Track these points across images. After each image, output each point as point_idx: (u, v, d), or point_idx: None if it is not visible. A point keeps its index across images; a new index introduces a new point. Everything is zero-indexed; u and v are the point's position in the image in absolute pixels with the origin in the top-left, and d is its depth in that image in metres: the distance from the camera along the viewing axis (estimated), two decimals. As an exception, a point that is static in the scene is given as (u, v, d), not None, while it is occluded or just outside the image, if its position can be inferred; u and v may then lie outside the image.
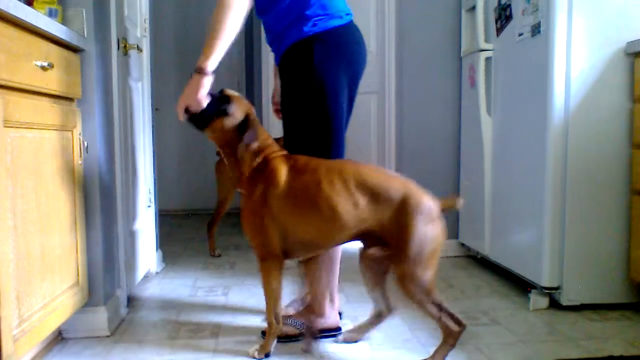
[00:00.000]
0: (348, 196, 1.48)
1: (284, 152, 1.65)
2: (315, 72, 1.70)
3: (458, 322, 1.50)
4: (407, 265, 1.45)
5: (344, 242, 1.58)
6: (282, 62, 1.78)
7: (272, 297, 1.61)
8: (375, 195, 1.48)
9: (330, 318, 1.81)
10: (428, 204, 1.48)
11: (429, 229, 1.46)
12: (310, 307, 1.82)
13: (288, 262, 1.74)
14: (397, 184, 1.50)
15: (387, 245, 1.51)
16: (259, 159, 1.60)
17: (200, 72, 1.55)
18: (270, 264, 1.58)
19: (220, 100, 1.62)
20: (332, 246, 1.63)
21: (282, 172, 1.56)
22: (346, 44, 1.75)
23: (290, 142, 1.77)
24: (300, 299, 1.99)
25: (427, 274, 1.46)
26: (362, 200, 1.48)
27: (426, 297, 1.47)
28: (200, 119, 1.62)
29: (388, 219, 1.47)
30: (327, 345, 1.74)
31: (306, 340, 1.73)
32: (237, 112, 1.62)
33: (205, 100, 1.58)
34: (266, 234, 1.55)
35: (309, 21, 1.70)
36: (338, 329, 1.81)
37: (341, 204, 1.48)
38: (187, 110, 1.61)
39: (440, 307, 1.49)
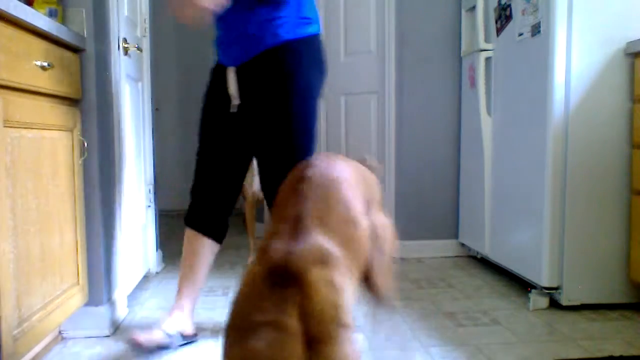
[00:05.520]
0: None
1: None
2: (302, 78, 1.65)
3: None
4: None
5: None
6: (256, 64, 1.66)
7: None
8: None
9: None
10: None
11: None
12: None
13: None
14: None
15: None
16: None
17: None
18: None
19: None
20: None
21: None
22: (323, 52, 1.74)
23: (273, 151, 1.68)
24: None
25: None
26: None
27: None
28: None
29: None
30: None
31: None
32: None
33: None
34: None
35: (302, 23, 1.67)
36: None
37: None
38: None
39: None
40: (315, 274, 0.87)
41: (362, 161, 1.43)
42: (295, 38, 1.65)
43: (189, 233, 1.81)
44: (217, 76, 1.76)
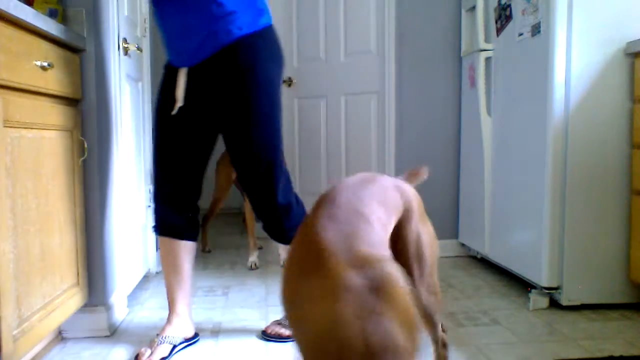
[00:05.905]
0: None
1: None
2: (261, 72, 1.60)
3: None
4: None
5: None
6: (211, 64, 1.60)
7: None
8: None
9: None
10: None
11: None
12: None
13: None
14: None
15: None
16: None
17: None
18: None
19: None
20: None
21: None
22: (279, 43, 1.69)
23: (239, 149, 1.66)
24: None
25: None
26: None
27: None
28: None
29: None
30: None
31: None
32: None
33: None
34: None
35: (254, 16, 1.60)
36: None
37: None
38: None
39: None
40: (399, 282, 0.81)
41: (411, 172, 1.41)
42: (249, 32, 1.59)
43: (163, 240, 1.76)
44: (169, 77, 1.69)
